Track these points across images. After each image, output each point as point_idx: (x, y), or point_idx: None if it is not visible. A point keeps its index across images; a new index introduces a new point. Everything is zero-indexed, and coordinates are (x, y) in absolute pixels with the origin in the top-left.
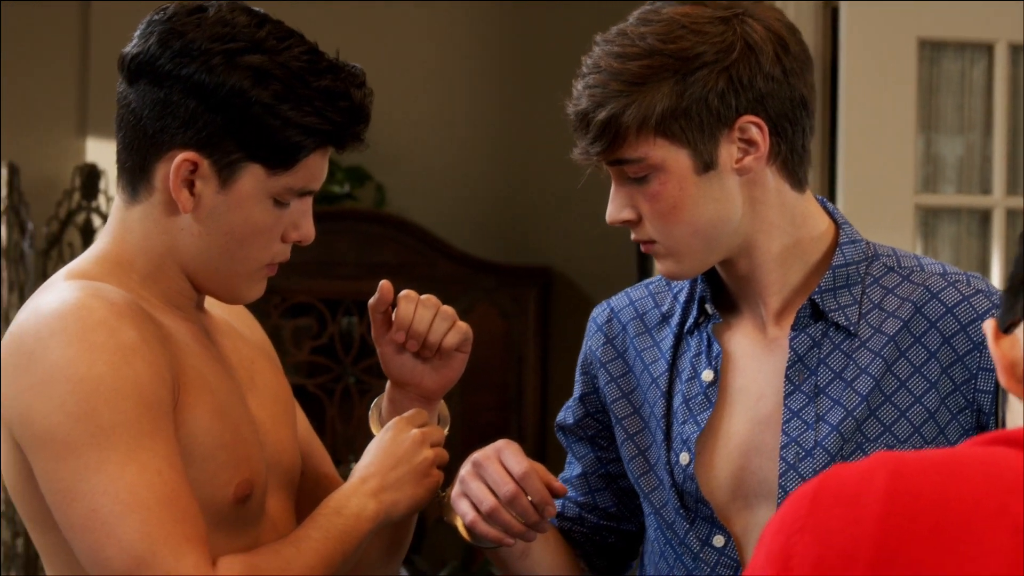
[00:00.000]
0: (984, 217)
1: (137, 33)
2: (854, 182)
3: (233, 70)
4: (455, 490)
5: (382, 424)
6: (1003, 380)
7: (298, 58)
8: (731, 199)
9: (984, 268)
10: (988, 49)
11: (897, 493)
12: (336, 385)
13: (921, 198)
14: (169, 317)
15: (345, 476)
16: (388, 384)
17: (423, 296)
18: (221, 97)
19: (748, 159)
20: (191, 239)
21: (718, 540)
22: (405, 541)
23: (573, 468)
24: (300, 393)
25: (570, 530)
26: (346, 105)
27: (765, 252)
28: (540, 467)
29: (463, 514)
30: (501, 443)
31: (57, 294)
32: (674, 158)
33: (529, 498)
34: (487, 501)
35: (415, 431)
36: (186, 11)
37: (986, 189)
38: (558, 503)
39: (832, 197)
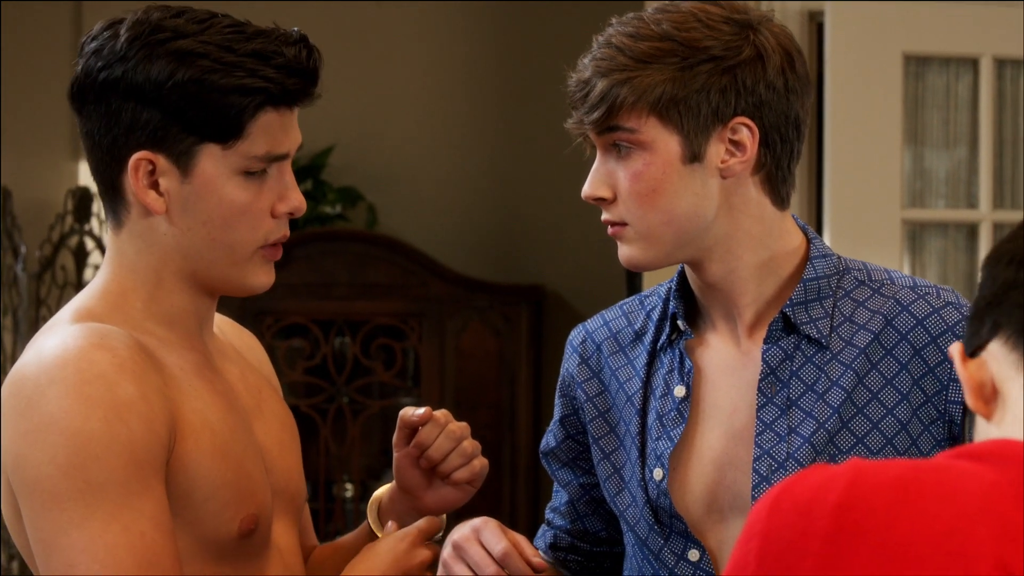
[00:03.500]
0: (971, 231)
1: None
2: (840, 197)
3: (156, 60)
4: (439, 574)
5: (380, 516)
6: (970, 401)
7: (220, 32)
8: (709, 197)
9: (971, 282)
10: (973, 63)
11: (849, 508)
12: (329, 405)
13: (908, 213)
14: (173, 350)
15: (338, 497)
16: (394, 483)
17: (451, 425)
18: (151, 89)
19: (733, 161)
20: (176, 240)
21: (693, 554)
22: None
23: (560, 496)
24: (293, 414)
25: (565, 560)
26: (281, 61)
27: (739, 260)
28: (521, 540)
29: None
30: (479, 522)
31: (61, 339)
32: (664, 141)
33: None
34: None
35: (426, 552)
36: (105, 26)
37: (973, 203)
38: (550, 534)
39: (819, 212)
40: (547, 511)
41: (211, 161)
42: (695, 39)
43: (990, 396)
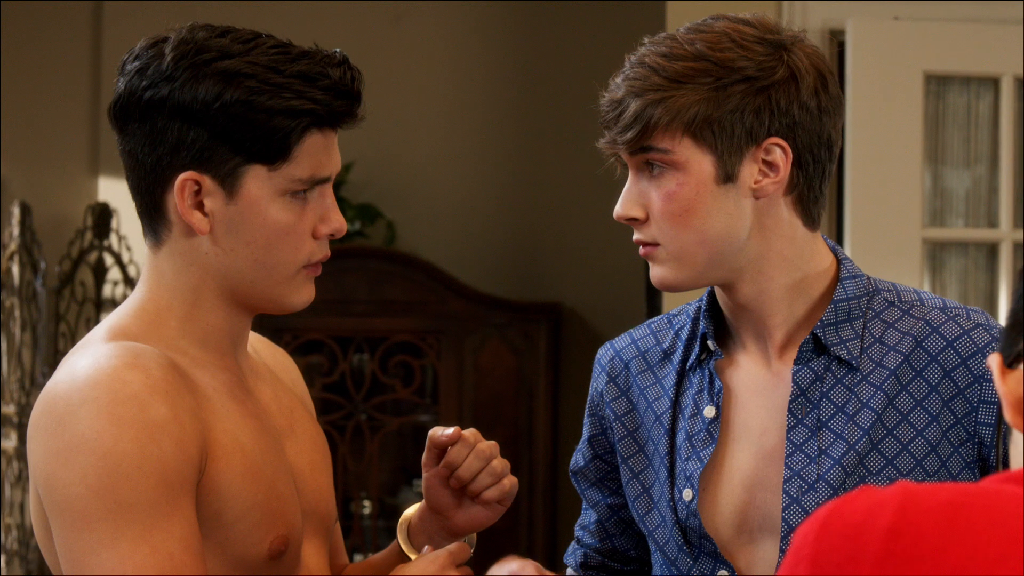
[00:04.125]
0: (991, 250)
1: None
2: (861, 216)
3: (203, 80)
4: None
5: (410, 534)
6: (1009, 416)
7: (266, 53)
8: (742, 218)
9: (992, 301)
10: (994, 83)
11: (899, 533)
12: (347, 422)
13: (928, 232)
14: (206, 370)
15: (356, 513)
16: (424, 502)
17: (480, 445)
18: (199, 109)
19: (766, 181)
20: (218, 259)
21: (722, 575)
22: None
23: (589, 515)
24: None
25: None
26: (327, 83)
27: (771, 281)
28: None
29: None
30: (517, 565)
31: (94, 359)
32: (698, 161)
33: None
34: None
35: (456, 575)
36: (148, 45)
37: (993, 222)
38: (580, 552)
39: (840, 231)
40: (576, 528)
41: (257, 182)
42: (729, 59)
43: None
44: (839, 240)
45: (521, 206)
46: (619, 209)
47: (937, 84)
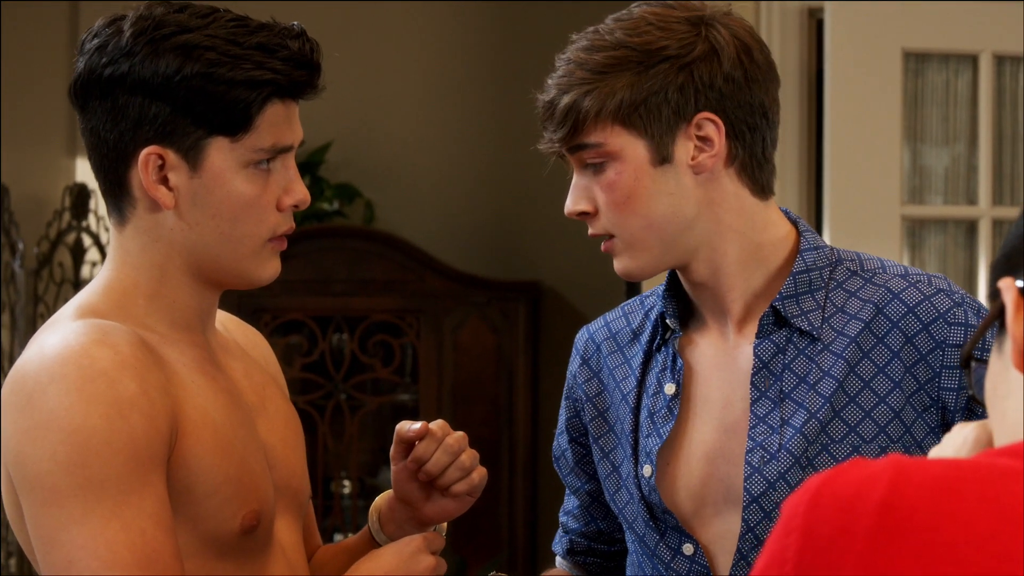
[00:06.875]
0: (970, 228)
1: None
2: (840, 193)
3: (163, 54)
4: None
5: (380, 523)
6: (1016, 360)
7: (224, 26)
8: (686, 195)
9: (971, 278)
10: (972, 60)
11: (892, 507)
12: (327, 402)
13: (907, 209)
14: (175, 346)
15: (336, 493)
16: (392, 491)
17: (448, 439)
18: (160, 83)
19: (703, 156)
20: (184, 234)
21: (687, 549)
22: None
23: (572, 500)
24: None
25: (585, 563)
26: (286, 54)
27: (724, 256)
28: None
29: None
30: None
31: (62, 336)
32: (632, 147)
33: None
34: None
35: (431, 558)
36: (106, 23)
37: (972, 200)
38: (566, 539)
39: (819, 209)
40: (561, 514)
41: (220, 154)
42: (648, 42)
43: None
44: (818, 218)
45: (500, 184)
46: (568, 206)
47: (916, 62)
